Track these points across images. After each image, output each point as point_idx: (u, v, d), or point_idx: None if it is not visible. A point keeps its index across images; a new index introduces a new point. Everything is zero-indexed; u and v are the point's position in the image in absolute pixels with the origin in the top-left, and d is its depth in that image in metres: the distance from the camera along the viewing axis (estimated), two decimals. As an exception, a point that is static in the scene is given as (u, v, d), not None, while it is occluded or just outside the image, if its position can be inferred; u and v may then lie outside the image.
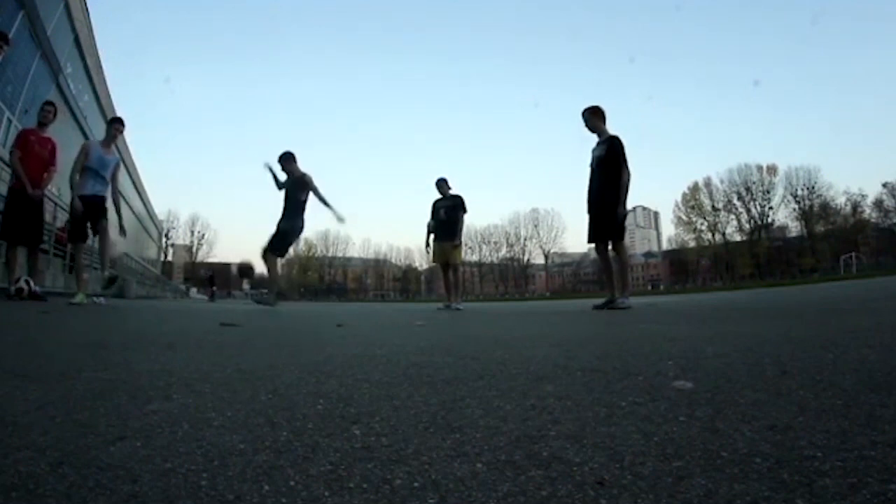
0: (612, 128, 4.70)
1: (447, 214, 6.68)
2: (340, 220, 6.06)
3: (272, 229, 5.91)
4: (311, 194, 5.85)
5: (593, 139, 4.77)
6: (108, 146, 5.17)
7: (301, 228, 5.95)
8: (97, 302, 5.01)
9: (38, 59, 11.20)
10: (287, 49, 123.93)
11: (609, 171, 4.48)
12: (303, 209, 5.86)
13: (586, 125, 4.72)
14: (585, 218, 4.76)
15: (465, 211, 6.72)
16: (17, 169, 4.93)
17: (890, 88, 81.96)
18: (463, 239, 6.86)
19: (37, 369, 1.23)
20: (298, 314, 5.10)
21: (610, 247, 4.67)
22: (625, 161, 4.46)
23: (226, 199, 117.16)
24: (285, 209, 5.87)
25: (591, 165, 4.68)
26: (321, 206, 5.88)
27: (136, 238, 27.34)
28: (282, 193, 5.98)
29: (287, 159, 5.87)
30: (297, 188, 5.81)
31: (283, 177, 5.99)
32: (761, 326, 2.23)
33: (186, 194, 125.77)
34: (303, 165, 6.08)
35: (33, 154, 5.01)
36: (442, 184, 6.86)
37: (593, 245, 4.83)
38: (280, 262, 6.15)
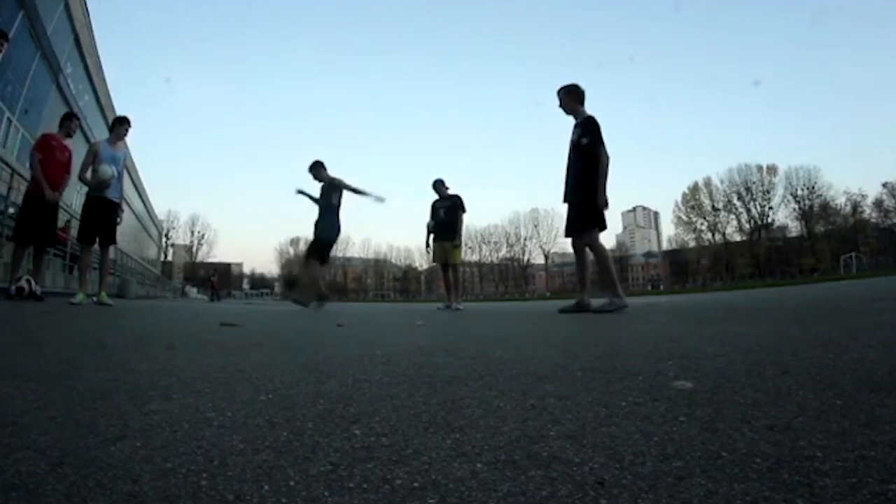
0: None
1: (446, 214, 6.73)
2: (380, 200, 6.27)
3: (310, 234, 6.16)
4: (343, 194, 6.11)
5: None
6: (115, 144, 5.27)
7: (338, 229, 6.15)
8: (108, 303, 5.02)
9: (38, 59, 11.20)
10: (287, 49, 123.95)
11: (585, 155, 4.02)
12: (337, 210, 6.10)
13: (560, 106, 4.26)
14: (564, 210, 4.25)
15: (463, 211, 6.76)
16: (37, 172, 4.98)
17: (890, 88, 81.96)
18: (463, 239, 6.89)
19: (37, 369, 1.23)
20: (298, 314, 5.10)
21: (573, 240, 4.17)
22: (601, 142, 3.98)
23: (226, 199, 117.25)
24: (321, 214, 6.09)
25: (569, 152, 4.23)
26: (359, 196, 6.16)
27: (136, 238, 27.32)
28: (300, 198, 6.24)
29: (316, 167, 6.11)
30: (329, 192, 6.05)
31: (315, 189, 6.21)
32: (761, 326, 2.23)
33: (186, 194, 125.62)
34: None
35: (54, 159, 5.09)
36: (439, 184, 6.91)
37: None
38: (320, 267, 6.24)
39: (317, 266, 6.09)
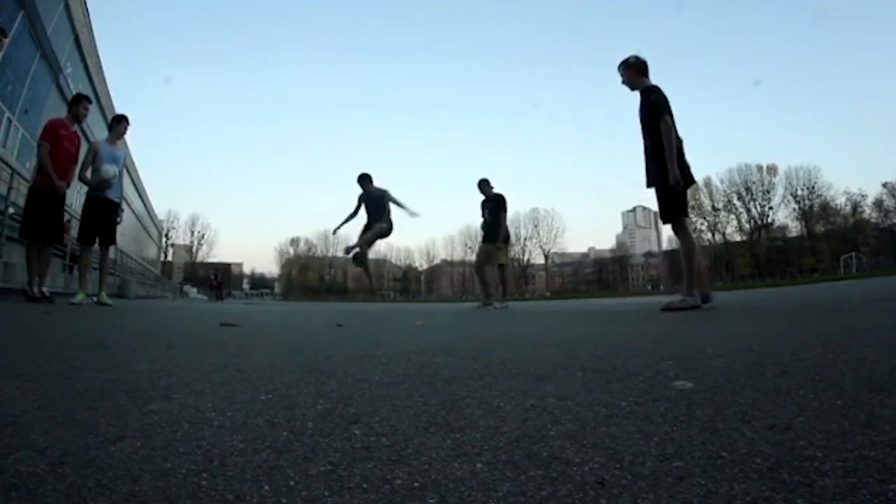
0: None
1: (491, 215, 6.89)
2: (414, 214, 6.83)
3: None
4: (391, 203, 6.76)
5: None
6: (115, 143, 5.19)
7: (390, 226, 6.74)
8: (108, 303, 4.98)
9: (38, 59, 11.21)
10: (287, 49, 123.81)
11: (651, 132, 3.71)
12: (388, 213, 6.73)
13: (623, 82, 3.97)
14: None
15: (504, 210, 6.89)
16: (46, 163, 4.64)
17: (890, 88, 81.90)
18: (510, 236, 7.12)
19: (37, 369, 1.23)
20: (298, 314, 5.10)
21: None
22: (663, 111, 3.63)
23: (226, 199, 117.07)
24: (374, 216, 6.70)
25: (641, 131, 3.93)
26: (398, 208, 6.77)
27: (136, 238, 27.34)
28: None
29: (365, 179, 6.75)
30: (382, 200, 6.67)
31: (347, 213, 6.90)
32: (761, 326, 2.23)
33: (186, 194, 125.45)
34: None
35: (62, 149, 4.79)
36: (483, 185, 7.03)
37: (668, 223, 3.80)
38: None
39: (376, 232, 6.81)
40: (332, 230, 7.26)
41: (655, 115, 3.66)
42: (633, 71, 3.91)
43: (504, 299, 6.77)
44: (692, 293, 3.56)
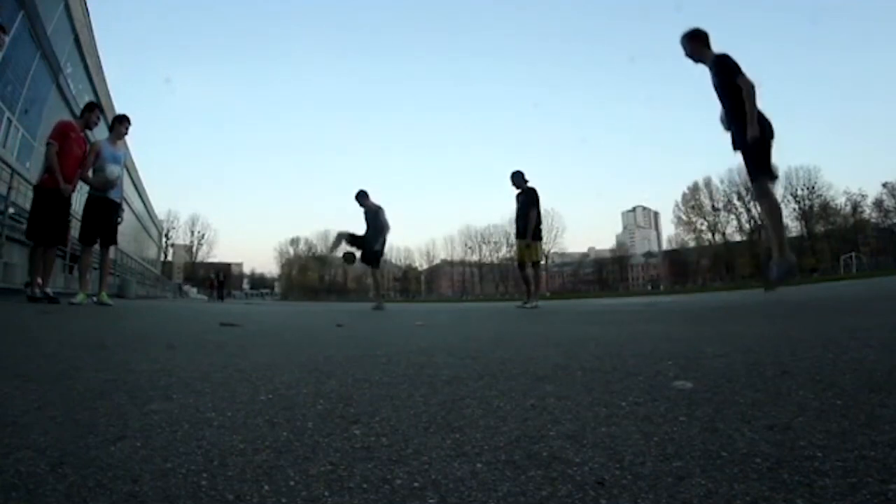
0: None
1: (521, 210, 6.46)
2: (369, 246, 7.10)
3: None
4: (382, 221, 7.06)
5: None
6: (115, 143, 5.21)
7: (384, 241, 7.23)
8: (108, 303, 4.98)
9: (38, 59, 11.20)
10: (288, 49, 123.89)
11: (729, 95, 3.75)
12: (383, 231, 7.10)
13: (687, 55, 3.98)
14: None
15: (536, 205, 6.39)
16: (53, 163, 4.64)
17: (890, 88, 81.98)
18: (540, 232, 6.59)
19: (37, 369, 1.23)
20: (298, 314, 5.10)
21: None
22: (738, 72, 3.68)
23: (226, 199, 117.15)
24: (375, 232, 7.08)
25: (718, 101, 3.94)
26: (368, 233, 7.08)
27: (136, 238, 27.34)
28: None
29: (362, 196, 7.12)
30: (377, 217, 7.07)
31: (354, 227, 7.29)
32: (761, 326, 2.23)
33: (186, 194, 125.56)
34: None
35: (70, 151, 4.81)
36: (516, 177, 6.54)
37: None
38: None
39: (377, 272, 7.54)
40: (333, 244, 7.63)
41: (734, 74, 3.70)
42: (699, 42, 3.93)
43: (532, 300, 6.17)
44: (785, 255, 3.56)
